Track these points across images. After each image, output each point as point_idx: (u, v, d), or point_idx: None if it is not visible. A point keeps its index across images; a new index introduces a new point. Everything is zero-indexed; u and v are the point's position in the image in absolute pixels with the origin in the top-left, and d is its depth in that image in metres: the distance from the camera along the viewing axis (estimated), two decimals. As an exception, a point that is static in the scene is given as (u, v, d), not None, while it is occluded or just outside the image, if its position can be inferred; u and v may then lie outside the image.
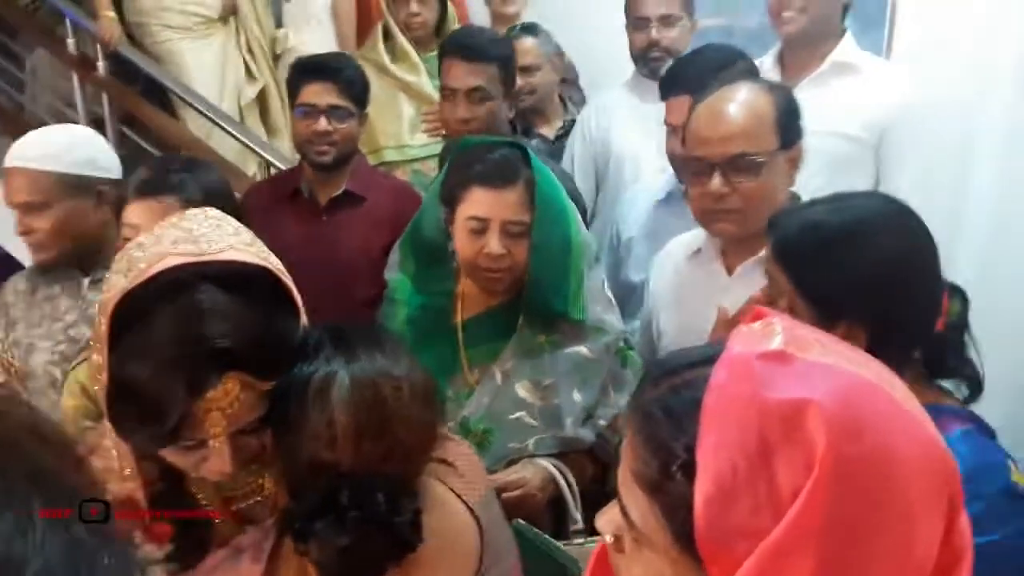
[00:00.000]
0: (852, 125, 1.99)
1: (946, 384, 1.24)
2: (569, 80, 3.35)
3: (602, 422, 1.63)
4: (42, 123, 3.37)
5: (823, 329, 1.14)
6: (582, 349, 1.62)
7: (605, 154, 2.41)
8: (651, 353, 1.76)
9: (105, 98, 3.36)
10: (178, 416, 0.91)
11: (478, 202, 1.55)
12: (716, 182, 1.45)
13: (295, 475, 1.00)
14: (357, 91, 2.21)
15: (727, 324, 1.39)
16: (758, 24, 3.62)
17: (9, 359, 1.71)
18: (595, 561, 0.84)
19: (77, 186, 1.72)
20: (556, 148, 2.73)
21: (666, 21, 2.36)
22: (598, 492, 1.60)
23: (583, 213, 1.89)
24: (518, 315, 1.64)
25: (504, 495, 1.43)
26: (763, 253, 1.49)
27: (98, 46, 3.28)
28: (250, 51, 3.41)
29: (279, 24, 3.50)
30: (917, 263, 1.14)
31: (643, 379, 0.76)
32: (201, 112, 3.18)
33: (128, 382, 0.92)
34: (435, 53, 2.98)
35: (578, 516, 1.57)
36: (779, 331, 0.68)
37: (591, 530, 1.57)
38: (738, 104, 1.46)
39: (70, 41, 3.36)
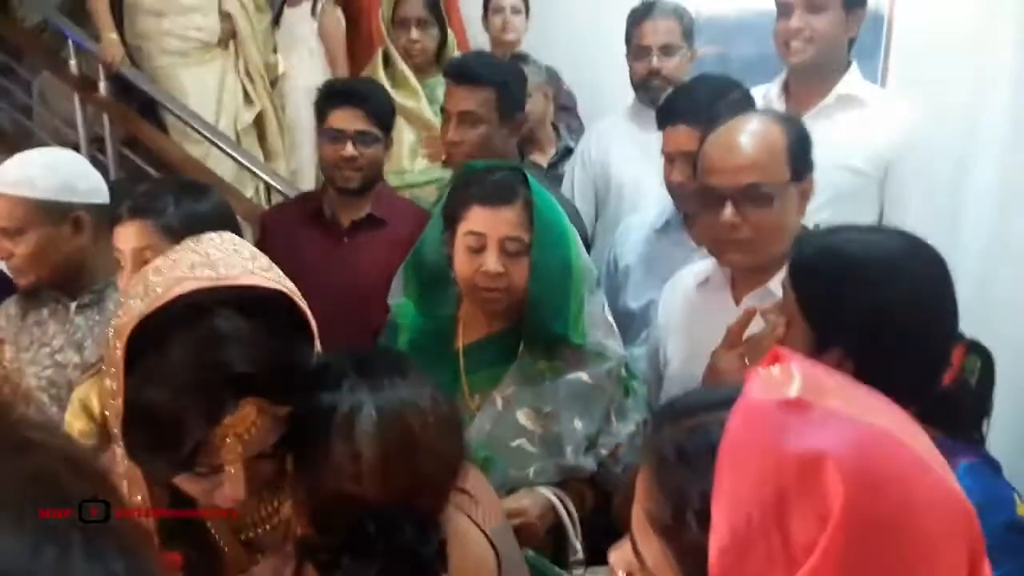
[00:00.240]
0: (857, 159, 1.97)
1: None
2: (567, 107, 3.36)
3: (603, 451, 1.61)
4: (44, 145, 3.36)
5: (814, 352, 1.16)
6: (583, 376, 1.61)
7: (605, 180, 2.40)
8: (657, 381, 1.74)
9: (106, 119, 3.35)
10: (195, 442, 0.89)
11: (476, 219, 1.55)
12: (728, 212, 1.44)
13: (318, 506, 0.98)
14: (383, 116, 2.23)
15: (729, 341, 1.37)
16: (754, 53, 3.65)
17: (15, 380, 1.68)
18: None
19: (53, 212, 1.70)
20: (550, 176, 2.73)
21: (667, 50, 2.37)
22: (599, 521, 1.59)
23: (584, 238, 1.88)
24: (519, 341, 1.62)
25: (504, 524, 1.41)
26: (771, 284, 1.51)
27: (100, 67, 3.27)
28: (248, 76, 3.41)
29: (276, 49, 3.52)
30: (926, 313, 1.14)
31: (659, 417, 0.75)
32: (201, 133, 3.17)
33: (145, 407, 0.90)
34: (435, 79, 3.01)
35: (578, 546, 1.54)
36: (797, 377, 0.66)
37: (591, 560, 1.56)
38: (751, 135, 1.46)
39: (72, 62, 3.36)
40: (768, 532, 0.60)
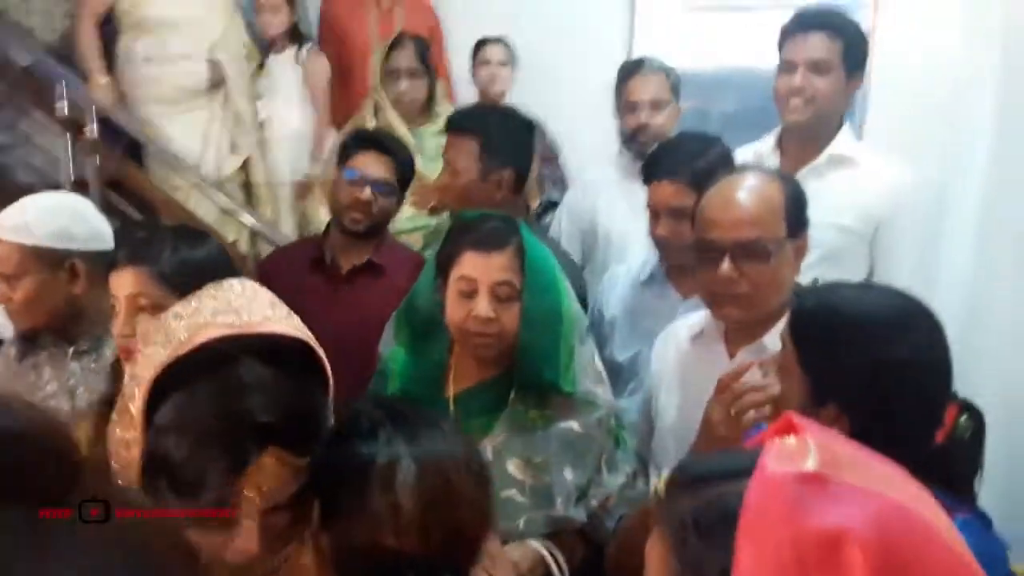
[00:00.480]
0: (847, 218, 1.99)
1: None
2: (551, 158, 3.39)
3: (594, 502, 1.59)
4: (30, 187, 3.33)
5: (811, 406, 1.17)
6: (573, 425, 1.59)
7: (592, 231, 2.42)
8: (649, 432, 1.73)
9: (94, 160, 3.33)
10: (216, 494, 0.87)
11: (468, 264, 1.56)
12: (726, 267, 1.45)
13: (348, 557, 0.95)
14: (405, 173, 2.27)
15: (719, 390, 1.37)
16: (731, 109, 3.72)
17: None
18: None
19: (48, 259, 1.68)
20: (535, 227, 2.74)
21: (655, 106, 2.41)
22: (588, 573, 1.56)
23: (582, 287, 1.88)
24: (509, 389, 1.61)
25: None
26: (766, 338, 1.51)
27: (92, 108, 3.26)
28: (236, 123, 3.42)
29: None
30: (923, 371, 1.14)
31: (673, 484, 0.74)
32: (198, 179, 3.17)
33: (165, 457, 0.87)
34: (423, 128, 3.03)
35: (569, 599, 1.52)
36: (813, 449, 0.67)
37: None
38: (749, 191, 1.48)
39: (63, 103, 3.34)
40: None
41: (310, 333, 1.01)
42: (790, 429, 0.71)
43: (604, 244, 2.39)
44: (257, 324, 0.94)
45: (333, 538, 0.96)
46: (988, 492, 1.28)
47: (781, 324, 1.48)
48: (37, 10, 3.58)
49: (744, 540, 0.63)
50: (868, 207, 2.01)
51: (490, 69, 3.44)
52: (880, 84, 3.03)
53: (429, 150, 2.99)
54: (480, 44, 3.48)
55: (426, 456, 0.97)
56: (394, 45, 3.01)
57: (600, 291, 2.08)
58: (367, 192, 2.19)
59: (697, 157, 1.83)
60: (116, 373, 1.49)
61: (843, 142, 2.08)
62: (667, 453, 1.64)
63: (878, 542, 0.60)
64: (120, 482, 0.91)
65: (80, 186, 3.29)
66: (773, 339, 1.48)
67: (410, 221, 2.90)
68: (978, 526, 1.19)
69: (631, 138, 2.44)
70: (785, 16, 3.63)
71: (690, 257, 1.71)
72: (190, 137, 3.32)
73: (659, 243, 1.91)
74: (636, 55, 3.65)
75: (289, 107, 3.40)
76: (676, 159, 1.86)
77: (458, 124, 2.14)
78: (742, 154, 2.03)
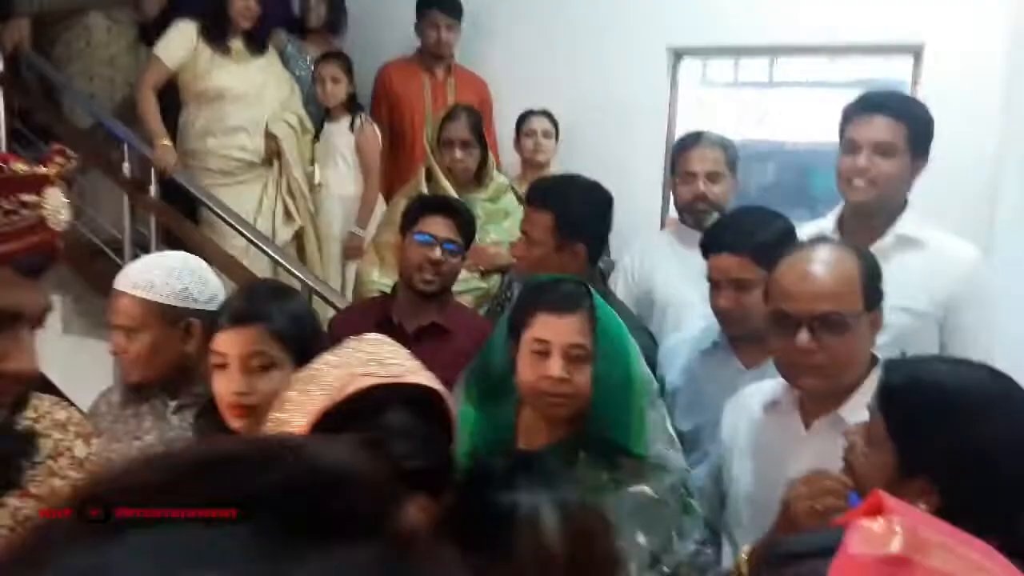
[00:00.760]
0: (917, 299, 1.93)
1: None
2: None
3: (666, 569, 1.57)
4: (90, 244, 3.40)
5: (898, 478, 1.16)
6: (645, 489, 1.58)
7: (648, 299, 2.42)
8: (719, 499, 1.72)
9: (154, 219, 3.40)
10: None
11: (542, 327, 1.57)
12: (803, 337, 1.45)
13: None
14: (469, 234, 2.35)
15: (804, 482, 1.36)
16: (771, 181, 3.78)
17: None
18: None
19: (169, 316, 1.71)
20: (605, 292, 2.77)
21: (713, 177, 2.43)
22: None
23: (650, 351, 1.89)
24: (577, 451, 1.61)
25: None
26: (842, 410, 1.51)
27: (151, 171, 3.34)
28: (290, 193, 3.49)
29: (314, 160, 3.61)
30: (1016, 451, 1.13)
31: (755, 559, 0.75)
32: (240, 232, 3.23)
33: None
34: (474, 195, 3.08)
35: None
36: (899, 531, 0.65)
37: None
38: (826, 264, 1.49)
39: (126, 165, 3.43)
40: None
41: (442, 386, 1.03)
42: (878, 510, 0.70)
43: (660, 311, 2.38)
44: (400, 375, 0.98)
45: None
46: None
47: (857, 396, 1.49)
48: (100, 77, 3.70)
49: None
50: (939, 290, 1.96)
51: (534, 139, 3.52)
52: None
53: (481, 215, 3.04)
54: (525, 115, 3.56)
55: (566, 504, 0.98)
56: (449, 116, 3.07)
57: (661, 360, 2.06)
58: (438, 253, 2.24)
59: (759, 230, 1.85)
60: (200, 429, 1.50)
61: (909, 222, 2.04)
62: (740, 522, 1.63)
63: None
64: None
65: (139, 244, 3.36)
66: (849, 411, 1.49)
67: (463, 283, 2.93)
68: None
69: (688, 207, 2.46)
70: (823, 94, 3.76)
71: (751, 328, 1.72)
72: (245, 207, 3.39)
73: (720, 314, 1.91)
74: (677, 128, 3.76)
75: (343, 172, 3.49)
76: (738, 232, 1.88)
77: (536, 197, 2.16)
78: (804, 232, 2.01)
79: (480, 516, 0.97)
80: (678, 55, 3.72)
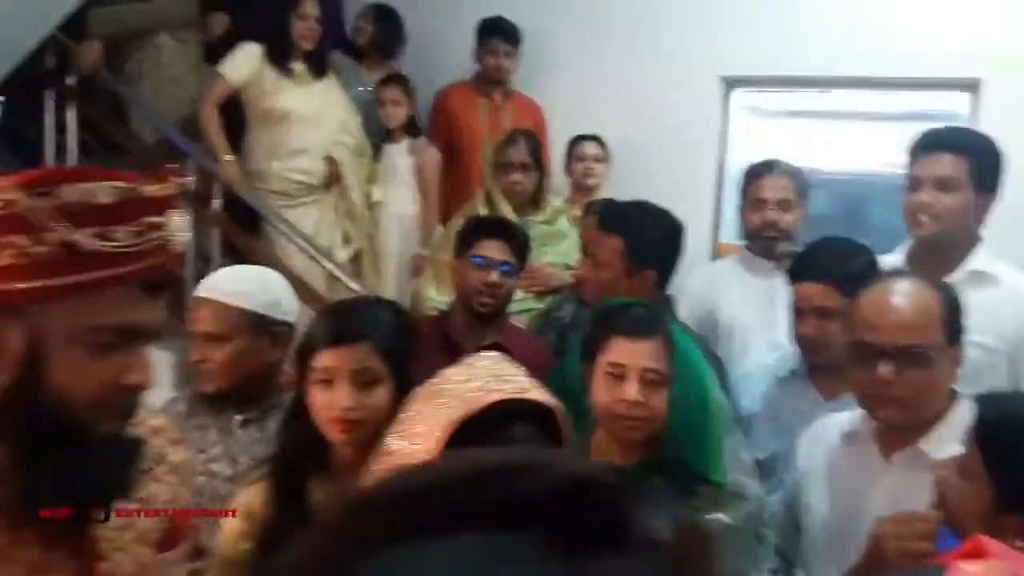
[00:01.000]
0: (991, 335, 1.90)
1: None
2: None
3: (740, 598, 1.56)
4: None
5: (994, 515, 1.14)
6: (723, 516, 1.57)
7: (711, 324, 2.41)
8: (793, 530, 1.70)
9: (217, 232, 3.44)
10: None
11: (618, 350, 1.57)
12: (885, 369, 1.44)
13: None
14: (523, 253, 2.37)
15: (895, 520, 1.34)
16: (825, 211, 3.74)
17: None
18: None
19: (258, 325, 1.72)
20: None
21: (784, 205, 2.42)
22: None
23: (722, 378, 1.88)
24: (653, 476, 1.60)
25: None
26: (922, 444, 1.49)
27: (214, 185, 3.39)
28: (348, 216, 3.53)
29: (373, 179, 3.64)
30: None
31: None
32: (302, 248, 3.27)
33: None
34: (531, 217, 3.10)
35: None
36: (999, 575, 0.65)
37: None
38: (909, 296, 1.48)
39: (191, 179, 3.47)
40: None
41: (559, 403, 1.04)
42: (978, 553, 0.69)
43: (725, 336, 2.37)
44: (523, 390, 0.98)
45: None
46: None
47: (939, 430, 1.48)
48: (166, 95, 3.77)
49: None
50: (1010, 325, 1.94)
51: (585, 164, 3.52)
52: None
53: (538, 237, 3.05)
54: (576, 140, 3.57)
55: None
56: (509, 140, 3.11)
57: (734, 385, 2.05)
58: (494, 275, 2.26)
59: (846, 260, 1.85)
60: (290, 441, 1.51)
61: (981, 258, 2.03)
62: (817, 552, 1.61)
63: None
64: None
65: (201, 257, 3.41)
66: (930, 444, 1.47)
67: (518, 304, 2.94)
68: None
69: (756, 234, 2.45)
70: (875, 126, 3.74)
71: (833, 357, 1.70)
72: (304, 229, 3.41)
73: (803, 342, 1.90)
74: (728, 157, 3.75)
75: (401, 192, 3.53)
76: (826, 261, 1.88)
77: (607, 221, 2.17)
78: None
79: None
80: (731, 84, 3.72)
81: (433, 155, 3.55)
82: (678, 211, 3.20)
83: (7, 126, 4.04)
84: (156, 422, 1.19)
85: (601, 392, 1.58)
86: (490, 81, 3.67)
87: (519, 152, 3.07)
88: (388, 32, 3.84)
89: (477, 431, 0.94)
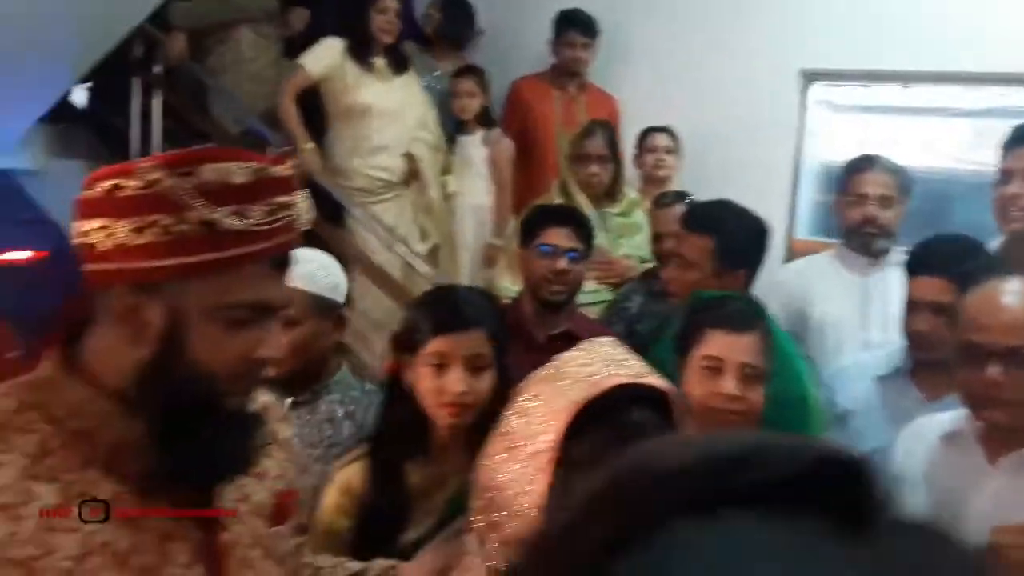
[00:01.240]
0: None
1: None
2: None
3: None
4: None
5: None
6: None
7: (802, 319, 2.34)
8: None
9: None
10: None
11: (715, 344, 1.54)
12: (994, 370, 1.40)
13: None
14: (589, 238, 2.33)
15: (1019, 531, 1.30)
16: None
17: None
18: None
19: (324, 308, 1.74)
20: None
21: (885, 202, 2.34)
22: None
23: (814, 375, 1.84)
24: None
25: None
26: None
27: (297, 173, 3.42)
28: (427, 212, 3.54)
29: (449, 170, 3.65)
30: None
31: None
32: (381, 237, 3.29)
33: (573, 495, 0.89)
34: (607, 209, 3.07)
35: None
36: None
37: None
38: (1020, 296, 1.43)
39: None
40: None
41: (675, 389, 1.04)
42: None
43: (817, 332, 2.31)
44: (640, 375, 0.98)
45: None
46: None
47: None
48: (246, 88, 3.81)
49: None
50: None
51: (656, 156, 3.47)
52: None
53: (613, 229, 3.04)
54: (647, 132, 3.52)
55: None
56: (586, 132, 3.09)
57: (831, 382, 2.00)
58: (563, 262, 2.23)
59: (965, 257, 1.79)
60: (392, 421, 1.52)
61: None
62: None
63: None
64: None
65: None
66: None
67: (591, 295, 2.92)
68: None
69: (855, 230, 2.37)
70: (952, 121, 3.61)
71: (941, 354, 1.65)
72: (382, 222, 3.42)
73: (915, 338, 1.84)
74: (804, 150, 3.67)
75: (476, 183, 3.53)
76: (944, 256, 1.82)
77: (695, 221, 2.11)
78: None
79: None
80: (809, 78, 3.64)
81: (507, 146, 3.54)
82: (752, 206, 3.17)
83: (94, 112, 4.18)
84: (264, 398, 1.21)
85: (696, 385, 1.56)
86: (565, 73, 3.65)
87: (596, 144, 3.05)
88: (457, 20, 3.82)
89: (597, 414, 0.93)
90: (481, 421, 1.42)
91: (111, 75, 3.70)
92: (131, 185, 0.87)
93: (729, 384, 1.51)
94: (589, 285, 2.99)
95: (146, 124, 3.89)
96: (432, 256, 3.54)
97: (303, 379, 1.77)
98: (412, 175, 3.53)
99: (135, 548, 0.91)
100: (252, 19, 3.83)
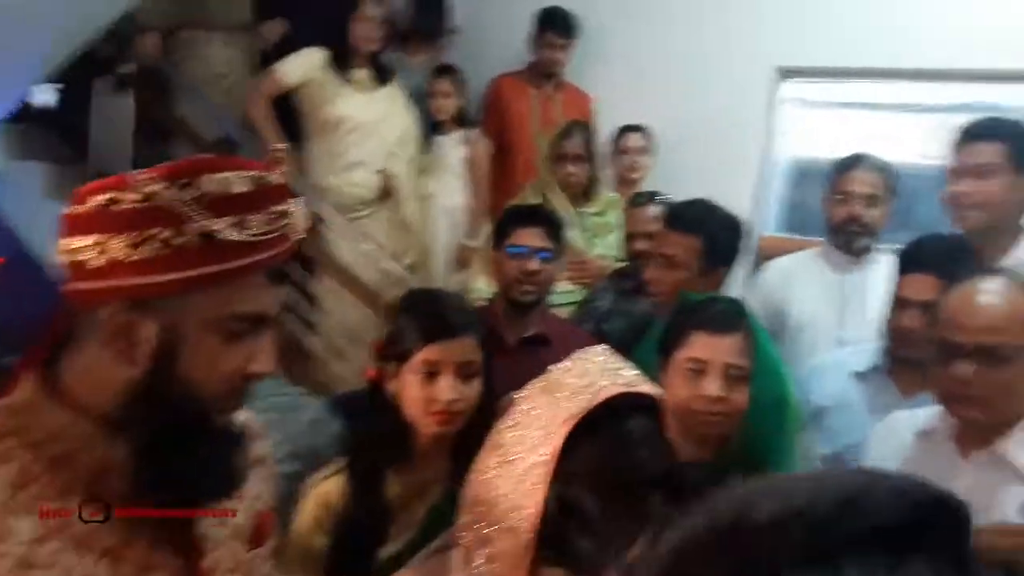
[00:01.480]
0: None
1: None
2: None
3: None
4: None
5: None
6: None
7: (780, 318, 2.35)
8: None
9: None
10: (620, 544, 0.88)
11: (698, 345, 1.53)
12: (961, 368, 1.41)
13: None
14: (559, 237, 2.31)
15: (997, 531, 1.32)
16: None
17: None
18: None
19: None
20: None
21: (871, 200, 2.34)
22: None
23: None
24: (721, 473, 1.58)
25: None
26: (998, 445, 1.46)
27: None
28: (404, 229, 3.49)
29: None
30: None
31: None
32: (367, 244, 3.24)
33: (575, 500, 0.89)
34: (583, 208, 3.07)
35: None
36: None
37: None
38: (998, 296, 1.44)
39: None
40: None
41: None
42: None
43: (794, 331, 2.32)
44: (634, 383, 0.98)
45: None
46: None
47: (1020, 431, 1.45)
48: (218, 106, 3.71)
49: None
50: None
51: (630, 158, 3.47)
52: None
53: (589, 229, 3.04)
54: (622, 131, 3.52)
55: None
56: (565, 132, 3.08)
57: (804, 379, 2.01)
58: (535, 263, 2.21)
59: (958, 255, 1.79)
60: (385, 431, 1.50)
61: None
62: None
63: None
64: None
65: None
66: (1007, 446, 1.45)
67: (564, 296, 2.90)
68: None
69: (840, 228, 2.37)
70: (922, 118, 3.65)
71: (927, 352, 1.66)
72: (357, 242, 3.38)
73: (899, 334, 1.85)
74: (774, 148, 3.69)
75: (450, 183, 3.51)
76: (938, 254, 1.82)
77: (681, 221, 2.10)
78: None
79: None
80: (783, 75, 3.66)
81: (485, 147, 3.52)
82: (721, 202, 3.18)
83: (55, 112, 4.07)
84: (244, 415, 1.18)
85: (680, 387, 1.54)
86: (542, 72, 3.63)
87: (574, 144, 3.06)
88: (429, 15, 3.74)
89: (594, 425, 0.93)
90: (464, 428, 1.42)
91: (73, 75, 3.61)
92: (128, 198, 0.84)
93: (713, 386, 1.50)
94: (563, 285, 3.00)
95: (110, 125, 3.80)
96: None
97: None
98: (386, 192, 3.47)
99: None
100: (223, 24, 3.72)
